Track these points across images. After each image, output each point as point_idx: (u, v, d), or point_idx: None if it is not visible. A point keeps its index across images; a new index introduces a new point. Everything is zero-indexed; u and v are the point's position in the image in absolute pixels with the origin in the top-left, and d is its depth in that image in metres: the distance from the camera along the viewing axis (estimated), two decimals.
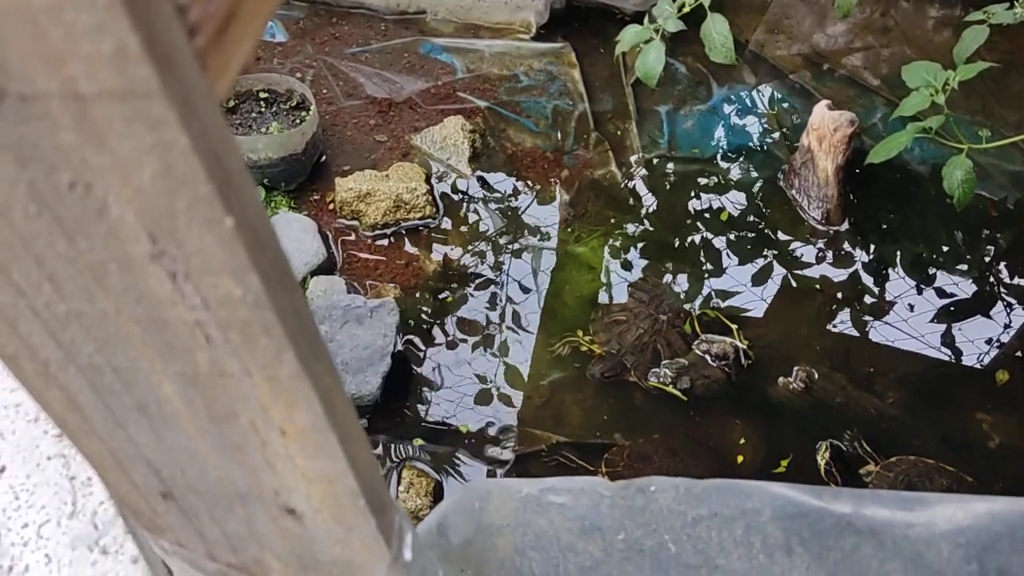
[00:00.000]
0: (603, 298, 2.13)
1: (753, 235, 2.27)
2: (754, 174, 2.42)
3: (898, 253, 2.23)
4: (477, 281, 2.16)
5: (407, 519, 0.61)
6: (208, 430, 0.49)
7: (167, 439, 0.51)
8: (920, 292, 2.15)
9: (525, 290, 2.15)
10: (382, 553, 0.58)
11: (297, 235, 2.12)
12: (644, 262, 2.21)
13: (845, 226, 2.27)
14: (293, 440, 0.49)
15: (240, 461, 0.51)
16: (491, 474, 1.83)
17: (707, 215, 2.32)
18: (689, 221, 2.31)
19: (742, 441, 1.89)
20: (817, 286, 2.16)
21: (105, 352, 0.45)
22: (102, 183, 0.35)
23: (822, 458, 1.82)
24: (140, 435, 0.51)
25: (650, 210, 2.34)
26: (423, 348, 2.03)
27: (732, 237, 2.26)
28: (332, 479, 0.52)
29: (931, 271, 2.19)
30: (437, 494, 1.77)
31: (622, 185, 2.38)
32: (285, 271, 0.42)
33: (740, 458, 1.86)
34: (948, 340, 2.06)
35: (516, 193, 2.36)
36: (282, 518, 0.56)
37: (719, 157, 2.47)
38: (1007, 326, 2.08)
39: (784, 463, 1.85)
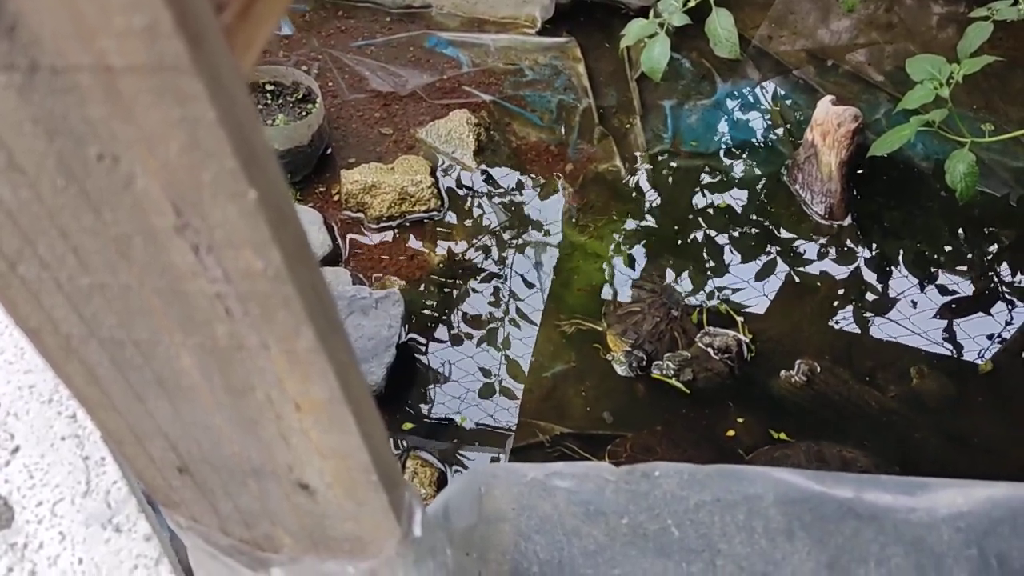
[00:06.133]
0: (607, 290, 2.14)
1: (756, 230, 2.28)
2: (758, 169, 2.43)
3: (900, 249, 2.24)
4: (481, 274, 2.17)
5: (417, 496, 0.62)
6: (224, 403, 0.50)
7: (184, 413, 0.52)
8: (922, 288, 2.16)
9: (529, 283, 2.16)
10: (392, 529, 0.60)
11: (303, 226, 2.13)
12: (648, 256, 2.22)
13: (848, 221, 2.28)
14: (308, 414, 0.50)
15: (255, 435, 0.52)
16: (494, 463, 1.84)
17: (710, 210, 2.33)
18: (692, 216, 2.32)
19: (742, 422, 1.90)
20: (819, 281, 2.17)
21: (126, 325, 0.46)
22: (129, 156, 0.36)
23: None
24: (158, 409, 0.52)
25: (654, 205, 2.35)
26: (427, 340, 2.04)
27: (735, 232, 2.27)
28: (345, 454, 0.53)
29: (933, 267, 2.20)
30: (441, 484, 1.78)
31: (626, 180, 2.39)
32: (304, 246, 0.43)
33: (731, 432, 1.87)
34: (949, 336, 2.06)
35: (520, 187, 2.37)
36: (295, 493, 0.57)
37: (723, 152, 2.47)
38: (1008, 323, 2.09)
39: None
